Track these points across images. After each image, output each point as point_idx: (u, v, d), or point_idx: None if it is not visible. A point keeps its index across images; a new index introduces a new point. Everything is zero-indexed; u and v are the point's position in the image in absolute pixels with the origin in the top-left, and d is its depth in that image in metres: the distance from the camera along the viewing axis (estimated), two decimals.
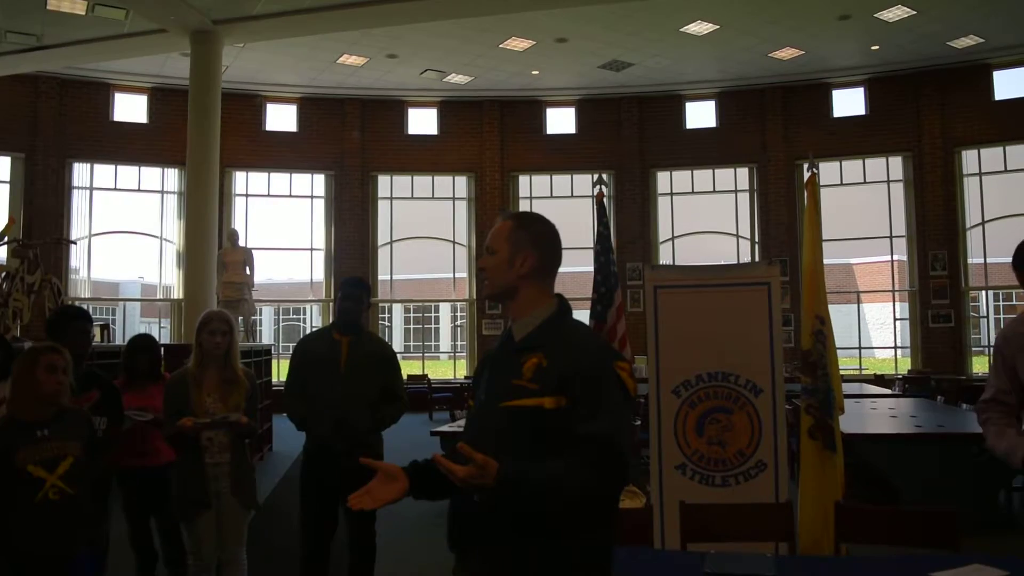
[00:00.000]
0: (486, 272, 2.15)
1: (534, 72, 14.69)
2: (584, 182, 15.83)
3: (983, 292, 15.65)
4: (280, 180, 15.98)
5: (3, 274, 8.99)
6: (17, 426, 2.93)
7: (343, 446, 3.95)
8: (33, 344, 3.07)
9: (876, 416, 7.50)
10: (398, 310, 27.30)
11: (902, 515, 3.50)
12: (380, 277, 16.04)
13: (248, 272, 12.91)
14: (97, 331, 10.18)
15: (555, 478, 1.83)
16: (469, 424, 2.28)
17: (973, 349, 14.47)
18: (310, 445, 4.14)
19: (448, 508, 2.11)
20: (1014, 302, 25.23)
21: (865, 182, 15.17)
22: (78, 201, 14.70)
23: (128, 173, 15.13)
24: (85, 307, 15.25)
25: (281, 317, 26.82)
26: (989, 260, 14.46)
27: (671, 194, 15.91)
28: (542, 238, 2.14)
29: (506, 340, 2.14)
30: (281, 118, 15.70)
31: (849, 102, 15.07)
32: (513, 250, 2.11)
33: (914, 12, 11.96)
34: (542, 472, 1.83)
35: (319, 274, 16.03)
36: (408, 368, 17.85)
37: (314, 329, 4.59)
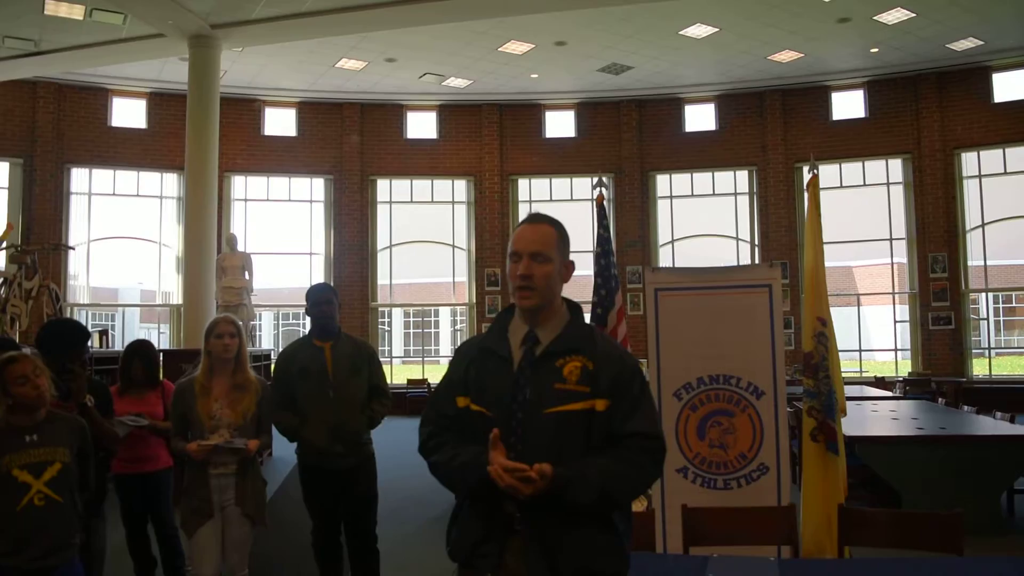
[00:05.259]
0: (534, 280, 2.04)
1: (533, 75, 14.68)
2: (583, 185, 15.81)
3: (983, 294, 15.62)
4: (279, 184, 15.96)
5: (1, 280, 8.99)
6: (6, 430, 2.92)
7: (342, 449, 3.96)
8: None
9: (877, 418, 7.48)
10: (398, 314, 27.28)
11: (906, 518, 3.47)
12: (380, 281, 16.01)
13: (247, 277, 12.87)
14: (96, 337, 10.15)
15: (619, 472, 1.96)
16: (507, 431, 2.01)
17: (973, 351, 14.45)
18: (306, 456, 4.09)
19: (452, 524, 2.13)
20: (1014, 304, 25.24)
21: (865, 185, 15.14)
22: (76, 207, 14.68)
23: (127, 178, 15.10)
24: (84, 313, 15.31)
25: (280, 322, 26.76)
26: (989, 262, 14.46)
27: (671, 197, 15.89)
28: (569, 245, 2.17)
29: (530, 344, 2.08)
30: (280, 122, 15.69)
31: (848, 104, 15.06)
32: (561, 259, 2.11)
33: (913, 14, 11.96)
34: (604, 467, 1.95)
35: (318, 278, 15.95)
36: (408, 372, 17.83)
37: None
